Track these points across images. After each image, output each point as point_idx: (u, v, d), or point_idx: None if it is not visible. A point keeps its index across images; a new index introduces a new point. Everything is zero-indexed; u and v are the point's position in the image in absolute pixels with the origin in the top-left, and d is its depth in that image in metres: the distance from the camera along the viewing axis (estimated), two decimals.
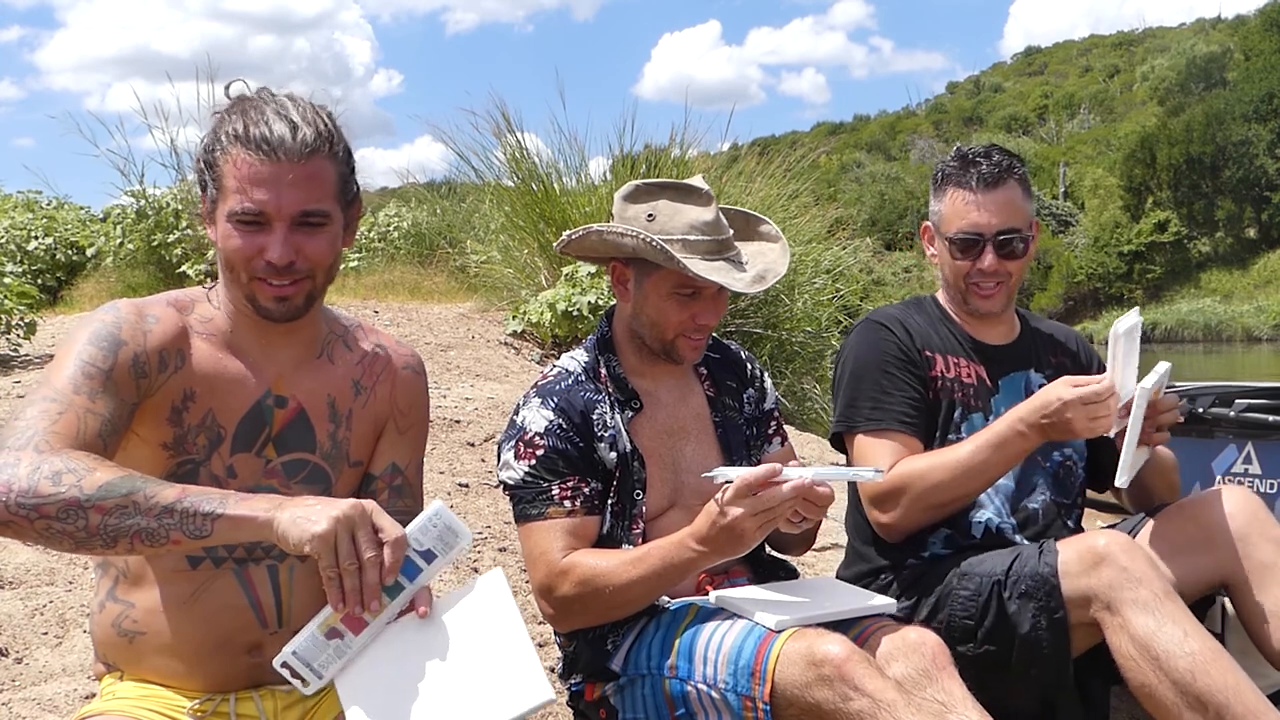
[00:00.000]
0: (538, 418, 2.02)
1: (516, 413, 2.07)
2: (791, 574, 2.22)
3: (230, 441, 1.62)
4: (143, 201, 9.92)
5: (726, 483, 1.79)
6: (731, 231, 2.08)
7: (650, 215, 2.03)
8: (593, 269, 7.26)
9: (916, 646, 1.85)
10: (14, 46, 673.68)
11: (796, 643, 1.79)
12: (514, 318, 7.73)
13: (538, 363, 7.23)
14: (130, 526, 1.37)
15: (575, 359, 2.14)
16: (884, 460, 2.26)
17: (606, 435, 2.05)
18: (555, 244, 2.25)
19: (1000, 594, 2.16)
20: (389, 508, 1.72)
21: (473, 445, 4.86)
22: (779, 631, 1.83)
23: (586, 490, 2.01)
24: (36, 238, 11.68)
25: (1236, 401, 3.15)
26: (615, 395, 2.09)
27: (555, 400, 2.04)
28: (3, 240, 11.29)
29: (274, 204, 1.52)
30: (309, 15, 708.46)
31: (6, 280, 6.50)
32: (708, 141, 9.62)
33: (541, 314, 7.28)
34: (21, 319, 6.26)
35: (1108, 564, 2.03)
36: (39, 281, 10.53)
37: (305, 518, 1.36)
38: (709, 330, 2.09)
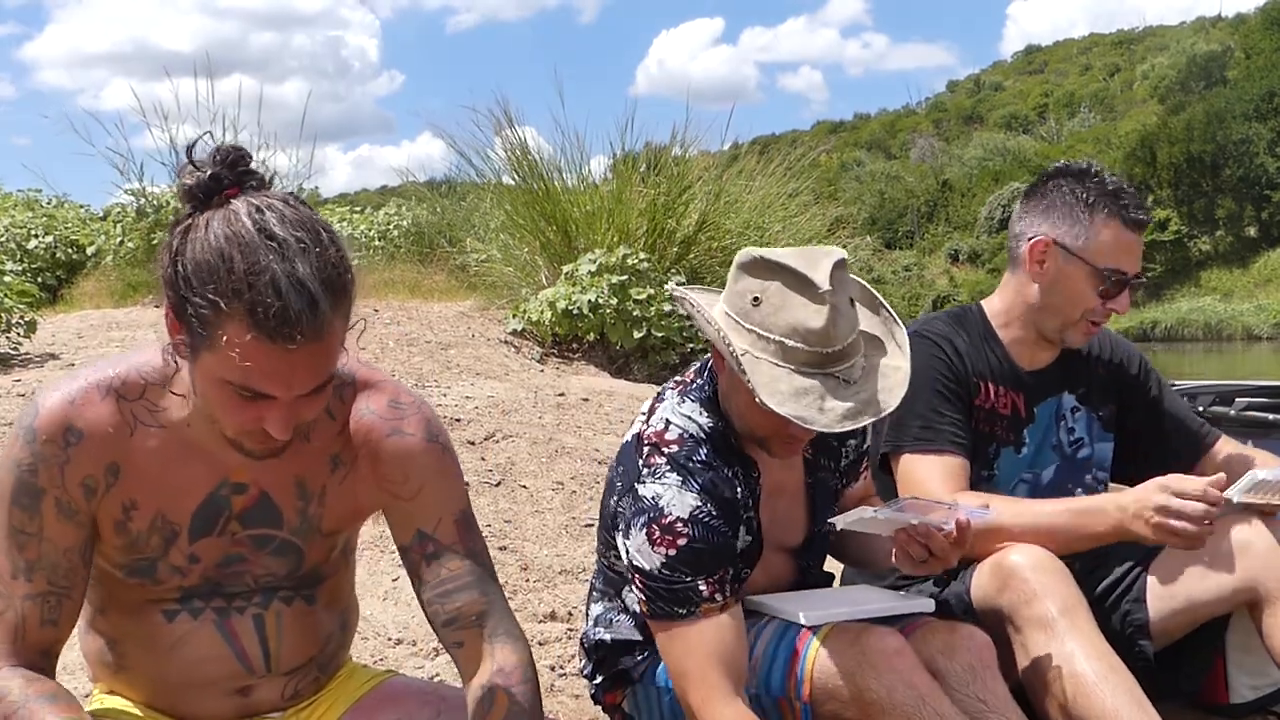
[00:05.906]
0: (679, 501, 1.77)
1: (639, 481, 1.80)
2: (827, 583, 2.18)
3: (187, 534, 1.49)
4: (142, 199, 9.92)
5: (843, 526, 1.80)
6: (854, 336, 1.73)
7: (756, 299, 1.72)
8: (593, 268, 7.24)
9: (964, 643, 1.85)
10: (3, 43, 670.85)
11: (841, 635, 1.78)
12: (514, 316, 7.72)
13: (538, 361, 7.21)
14: None
15: (693, 420, 1.85)
16: (934, 480, 2.12)
17: (746, 517, 1.86)
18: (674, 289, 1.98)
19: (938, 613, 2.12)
20: (433, 578, 1.51)
21: (473, 444, 4.85)
22: (815, 628, 1.81)
23: (730, 575, 1.80)
24: (36, 236, 11.66)
25: (1237, 400, 3.16)
26: (741, 468, 1.87)
27: (699, 481, 1.79)
28: (3, 239, 11.28)
29: (283, 387, 1.32)
30: (310, 12, 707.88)
31: (6, 279, 6.49)
32: (708, 140, 9.63)
33: (542, 312, 7.27)
34: (21, 317, 6.25)
35: (1013, 580, 1.97)
36: (39, 280, 10.50)
37: None
38: (805, 438, 1.83)
